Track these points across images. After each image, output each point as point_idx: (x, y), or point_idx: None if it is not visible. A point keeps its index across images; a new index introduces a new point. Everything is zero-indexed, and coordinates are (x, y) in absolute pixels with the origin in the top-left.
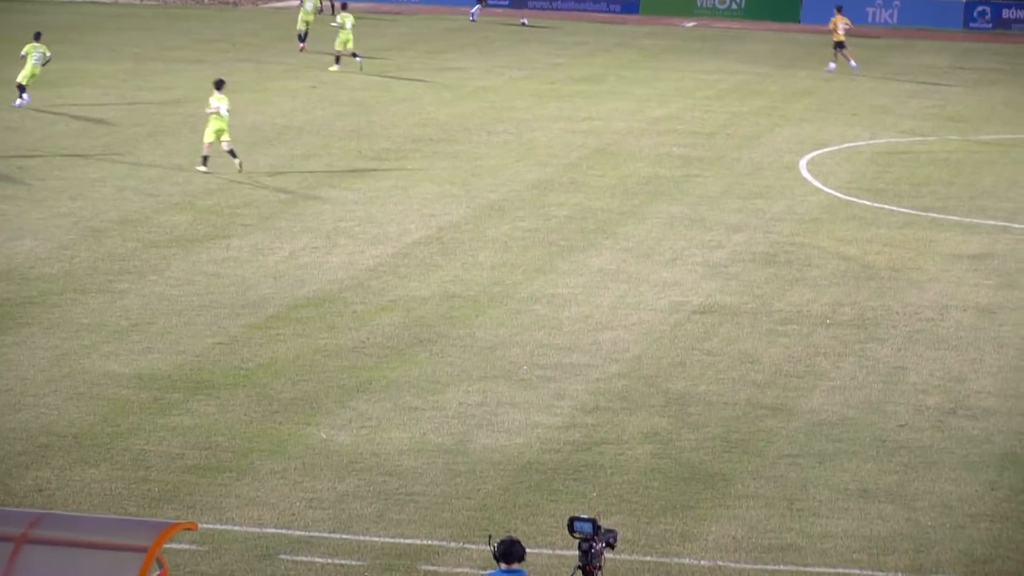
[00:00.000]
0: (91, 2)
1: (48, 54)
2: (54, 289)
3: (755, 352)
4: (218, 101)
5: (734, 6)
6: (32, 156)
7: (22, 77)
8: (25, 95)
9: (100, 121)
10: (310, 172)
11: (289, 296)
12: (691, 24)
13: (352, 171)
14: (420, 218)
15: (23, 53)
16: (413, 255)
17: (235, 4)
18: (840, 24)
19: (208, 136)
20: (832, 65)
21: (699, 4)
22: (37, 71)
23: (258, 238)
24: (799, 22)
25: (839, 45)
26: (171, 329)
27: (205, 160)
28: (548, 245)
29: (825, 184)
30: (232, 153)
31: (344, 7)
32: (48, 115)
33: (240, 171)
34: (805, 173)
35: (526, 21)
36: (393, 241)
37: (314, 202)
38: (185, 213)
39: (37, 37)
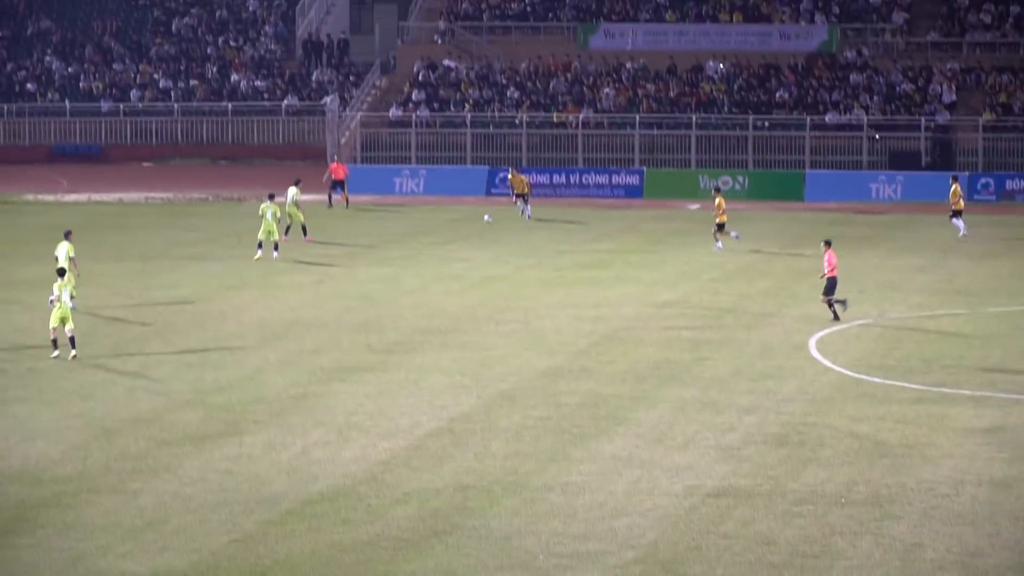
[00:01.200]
0: (96, 202)
1: (72, 253)
2: (68, 490)
3: (771, 534)
4: (59, 289)
5: (737, 187)
6: (43, 358)
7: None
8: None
9: (109, 320)
10: (320, 367)
11: (303, 491)
12: (695, 206)
13: (362, 364)
14: (431, 409)
15: (56, 254)
16: (425, 447)
17: (240, 200)
18: None
19: (53, 321)
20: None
21: (702, 186)
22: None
23: (270, 434)
24: (803, 200)
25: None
26: (186, 527)
27: (54, 344)
28: (560, 433)
29: (835, 363)
30: (72, 342)
31: (271, 197)
32: (42, 318)
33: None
34: (815, 352)
35: (488, 217)
36: (405, 433)
37: (325, 397)
38: (196, 411)
39: (67, 236)
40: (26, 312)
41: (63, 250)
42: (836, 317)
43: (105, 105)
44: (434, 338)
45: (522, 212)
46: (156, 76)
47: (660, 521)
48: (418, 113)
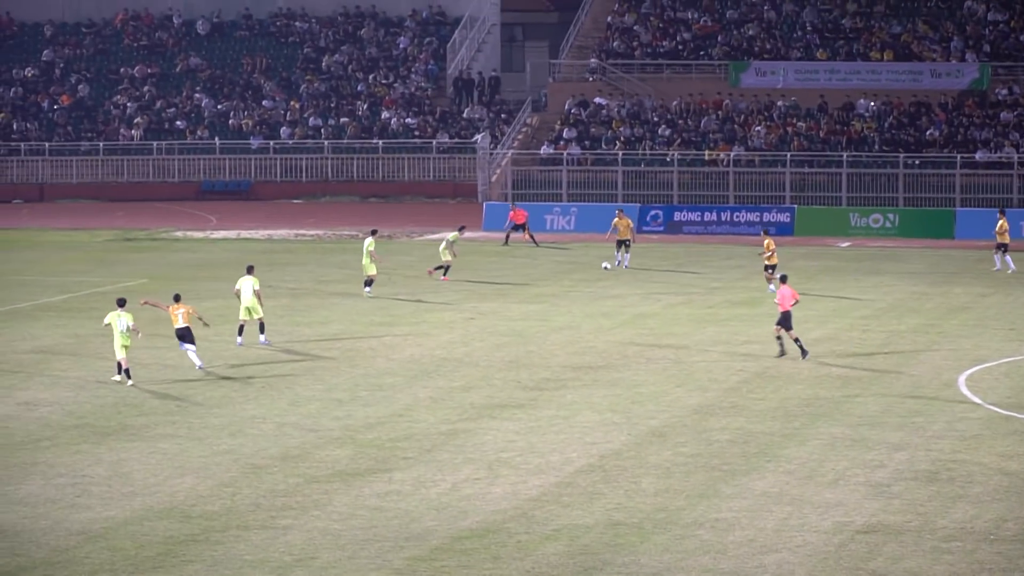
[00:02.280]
0: (245, 239)
1: (257, 286)
2: (216, 526)
3: (920, 570)
4: (119, 317)
5: (888, 224)
6: (191, 394)
7: (243, 313)
8: (262, 337)
9: (258, 358)
10: (470, 404)
11: (452, 528)
12: (846, 244)
13: (512, 401)
14: (582, 446)
15: (236, 288)
16: (576, 484)
17: (390, 237)
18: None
19: (119, 352)
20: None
21: (853, 224)
22: (253, 304)
23: (420, 471)
24: (953, 238)
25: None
26: (335, 563)
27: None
28: (710, 470)
29: (985, 400)
30: (128, 373)
31: (373, 233)
32: (204, 354)
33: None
34: (964, 389)
35: (607, 265)
36: (555, 470)
37: (475, 433)
38: (346, 447)
39: (250, 270)
40: (175, 349)
41: (248, 285)
42: (782, 352)
43: (255, 142)
44: (584, 375)
45: (618, 263)
46: (306, 114)
47: (810, 558)
48: (569, 151)
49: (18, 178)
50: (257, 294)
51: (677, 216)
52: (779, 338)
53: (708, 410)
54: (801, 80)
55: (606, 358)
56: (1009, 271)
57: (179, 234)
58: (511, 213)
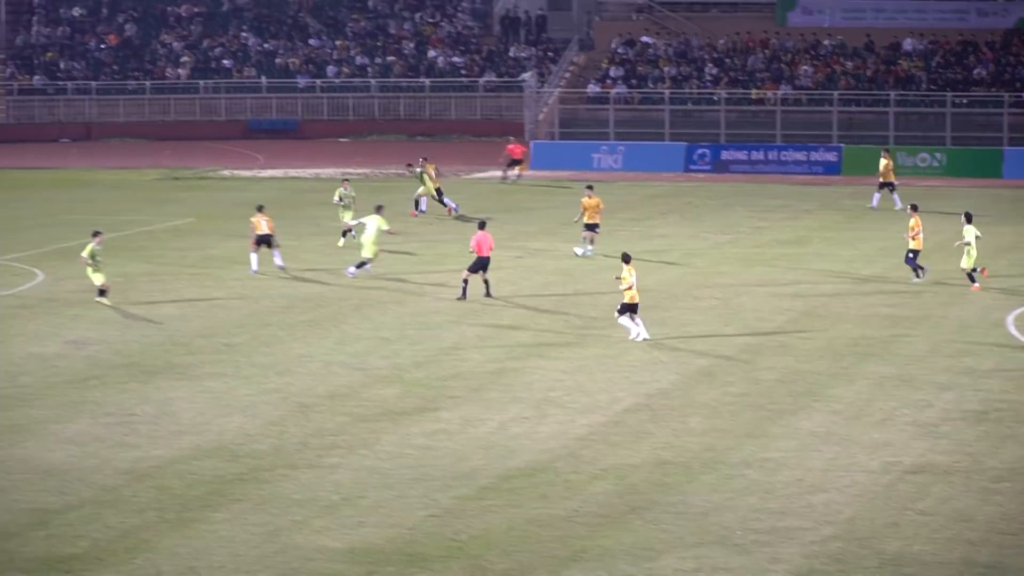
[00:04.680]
0: (293, 178)
1: (385, 226)
2: (264, 465)
3: (969, 511)
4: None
5: (935, 164)
6: (240, 332)
7: (368, 251)
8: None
9: (306, 296)
10: (518, 343)
11: (500, 467)
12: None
13: (560, 341)
14: (629, 385)
15: (359, 222)
16: (624, 423)
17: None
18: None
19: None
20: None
21: (900, 163)
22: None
23: (468, 410)
24: (1001, 177)
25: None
26: (383, 503)
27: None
28: (758, 409)
29: None
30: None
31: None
32: (252, 293)
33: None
34: (1012, 329)
35: (581, 251)
36: (603, 409)
37: (523, 372)
38: (394, 386)
39: (378, 210)
40: (221, 287)
41: (373, 223)
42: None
43: (301, 81)
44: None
45: (584, 252)
46: (352, 53)
47: (858, 498)
48: (616, 90)
49: (65, 117)
50: (388, 232)
51: (724, 155)
52: (465, 281)
53: (755, 349)
54: (848, 19)
55: (654, 298)
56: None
57: (227, 173)
58: (508, 147)
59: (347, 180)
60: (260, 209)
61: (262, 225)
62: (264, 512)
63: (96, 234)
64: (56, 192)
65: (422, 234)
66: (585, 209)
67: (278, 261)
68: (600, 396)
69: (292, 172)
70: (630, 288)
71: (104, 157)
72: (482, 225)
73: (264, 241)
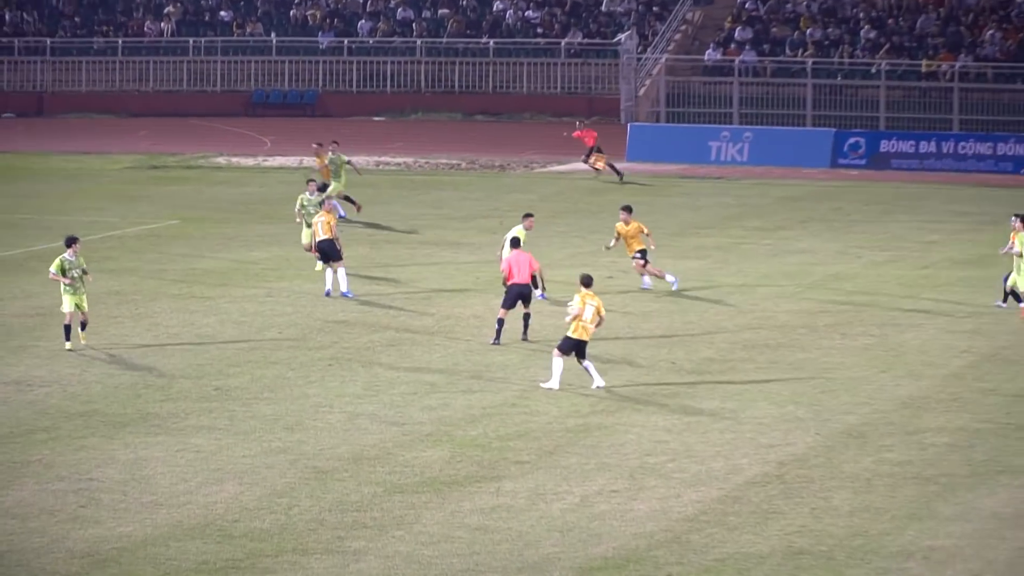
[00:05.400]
0: (309, 168)
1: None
2: (266, 550)
3: None
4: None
5: None
6: (234, 373)
7: None
8: None
9: (327, 324)
10: (608, 390)
11: (581, 556)
12: None
13: (664, 388)
14: (754, 450)
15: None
16: (746, 499)
17: (503, 168)
18: None
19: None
20: None
21: None
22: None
23: (538, 479)
24: None
25: None
26: None
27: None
28: (924, 482)
29: None
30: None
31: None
32: (260, 315)
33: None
34: None
35: (542, 295)
36: (719, 481)
37: (612, 431)
38: (440, 447)
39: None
40: (212, 312)
41: (511, 233)
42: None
43: (324, 40)
44: (760, 355)
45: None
46: (392, 4)
47: None
48: (742, 57)
49: (9, 85)
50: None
51: (884, 146)
52: (500, 322)
53: (922, 404)
54: None
55: (789, 334)
56: None
57: (222, 160)
58: (576, 132)
59: (312, 181)
60: (319, 190)
61: (319, 229)
62: None
63: (72, 242)
64: None
65: (478, 245)
66: (621, 236)
67: (341, 285)
68: (715, 463)
69: (309, 161)
70: (577, 318)
71: (60, 138)
72: (516, 243)
73: (321, 250)
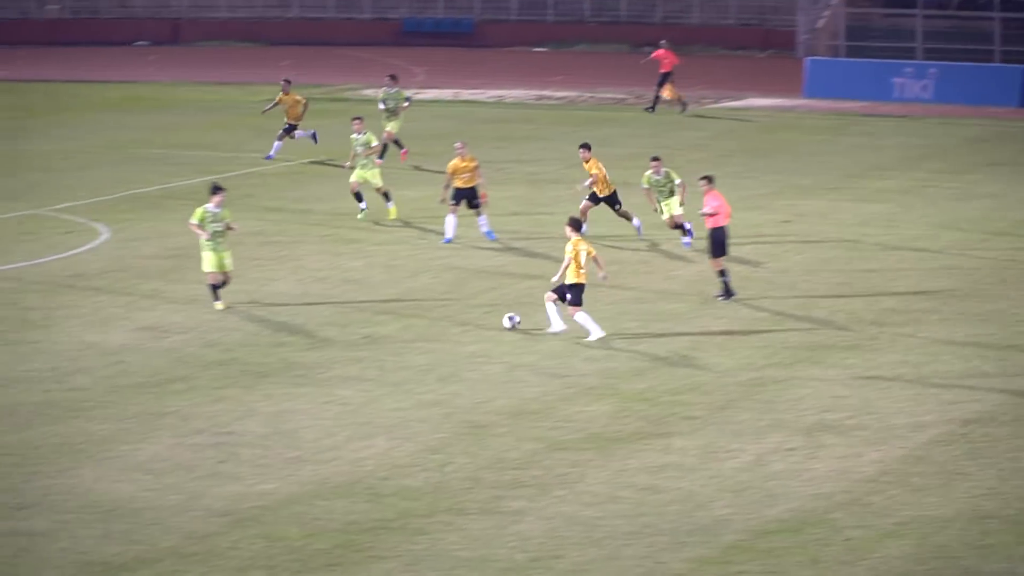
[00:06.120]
0: (466, 102)
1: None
2: (418, 509)
3: None
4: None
5: None
6: (385, 321)
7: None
8: None
9: (480, 272)
10: (782, 342)
11: (755, 518)
12: None
13: (842, 340)
14: (938, 406)
15: None
16: (930, 459)
17: (672, 104)
18: None
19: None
20: None
21: None
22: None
23: (709, 436)
24: None
25: None
26: (587, 566)
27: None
28: None
29: None
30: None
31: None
32: (412, 259)
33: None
34: None
35: (509, 321)
36: (901, 439)
37: (789, 386)
38: (605, 401)
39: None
40: (360, 255)
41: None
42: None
43: None
44: (945, 305)
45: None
46: None
47: None
48: None
49: (145, 10)
50: (681, 186)
51: None
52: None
53: None
54: None
55: (975, 282)
56: None
57: (371, 93)
58: (655, 53)
59: (359, 119)
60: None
61: (462, 174)
62: (417, 575)
63: (216, 191)
64: (127, 116)
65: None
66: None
67: (483, 227)
68: (897, 420)
69: (465, 94)
70: (573, 265)
71: (195, 68)
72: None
73: (464, 197)
